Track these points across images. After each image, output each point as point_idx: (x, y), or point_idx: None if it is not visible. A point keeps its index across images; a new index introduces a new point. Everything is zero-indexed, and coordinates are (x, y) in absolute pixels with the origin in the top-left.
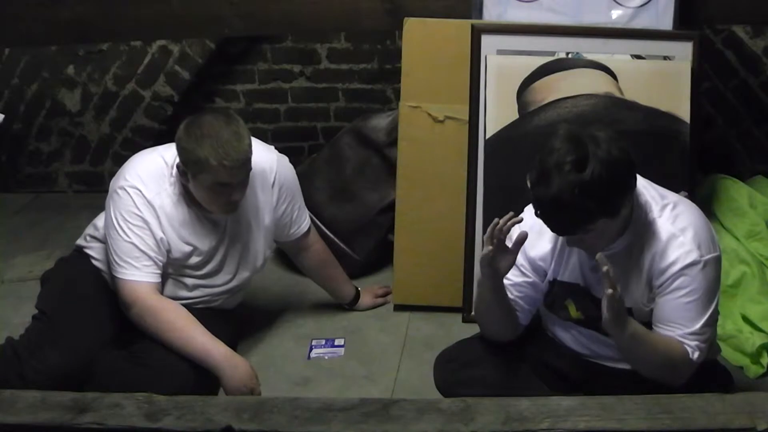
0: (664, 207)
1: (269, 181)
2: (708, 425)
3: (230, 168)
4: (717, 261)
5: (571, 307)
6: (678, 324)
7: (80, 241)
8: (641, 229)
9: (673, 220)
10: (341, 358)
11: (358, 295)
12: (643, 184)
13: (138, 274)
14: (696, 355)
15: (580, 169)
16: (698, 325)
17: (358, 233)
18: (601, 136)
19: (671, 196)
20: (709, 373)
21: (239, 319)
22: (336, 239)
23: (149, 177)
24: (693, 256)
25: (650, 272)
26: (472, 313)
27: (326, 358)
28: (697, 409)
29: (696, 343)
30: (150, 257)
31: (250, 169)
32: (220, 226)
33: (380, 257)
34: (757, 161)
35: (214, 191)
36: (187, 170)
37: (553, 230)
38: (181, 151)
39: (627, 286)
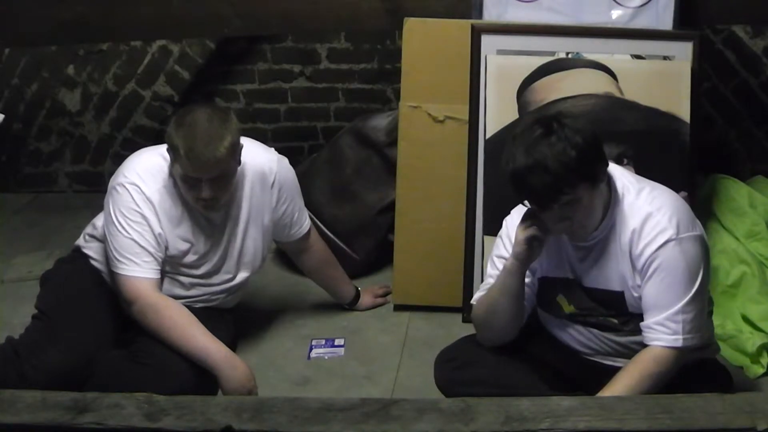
0: (640, 190)
1: (269, 181)
2: (708, 425)
3: (194, 165)
4: (696, 240)
5: (563, 302)
6: (660, 307)
7: (79, 242)
8: (620, 213)
9: (650, 201)
10: (341, 358)
11: (358, 295)
12: (618, 171)
13: (139, 270)
14: (680, 340)
15: (550, 135)
16: (680, 305)
17: (358, 233)
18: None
19: (647, 181)
20: (709, 373)
21: (239, 319)
22: (336, 239)
23: (148, 174)
24: (668, 233)
25: (631, 253)
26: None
27: (326, 358)
28: (697, 409)
29: (679, 325)
30: (150, 253)
31: (228, 172)
32: (217, 226)
33: (380, 257)
34: (757, 161)
35: (185, 182)
36: (169, 155)
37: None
38: (166, 134)
39: (616, 271)
